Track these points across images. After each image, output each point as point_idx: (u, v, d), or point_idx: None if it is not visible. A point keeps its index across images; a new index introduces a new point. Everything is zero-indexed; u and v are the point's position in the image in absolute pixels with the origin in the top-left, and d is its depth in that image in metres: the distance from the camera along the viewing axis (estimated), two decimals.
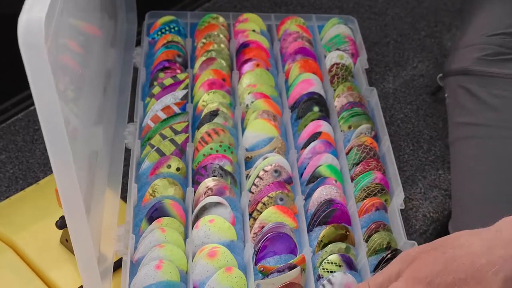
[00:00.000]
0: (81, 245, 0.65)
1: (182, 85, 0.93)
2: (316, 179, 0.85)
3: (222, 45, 1.01)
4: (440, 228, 0.94)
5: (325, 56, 1.02)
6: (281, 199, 0.82)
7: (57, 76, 0.58)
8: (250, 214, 0.81)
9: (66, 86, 0.65)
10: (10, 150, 0.97)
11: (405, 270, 0.65)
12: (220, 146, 0.85)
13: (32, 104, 0.99)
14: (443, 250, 0.64)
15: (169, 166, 0.83)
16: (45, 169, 0.94)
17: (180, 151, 0.85)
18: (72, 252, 0.78)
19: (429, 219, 0.93)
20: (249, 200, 0.83)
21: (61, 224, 0.76)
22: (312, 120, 0.91)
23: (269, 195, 0.82)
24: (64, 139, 0.57)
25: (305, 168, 0.87)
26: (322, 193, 0.83)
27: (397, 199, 0.84)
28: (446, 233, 0.93)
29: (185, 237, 0.77)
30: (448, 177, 0.97)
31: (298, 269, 0.75)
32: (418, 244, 0.79)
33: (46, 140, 0.57)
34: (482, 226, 0.86)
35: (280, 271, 0.74)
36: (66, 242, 0.80)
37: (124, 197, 0.82)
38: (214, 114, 0.90)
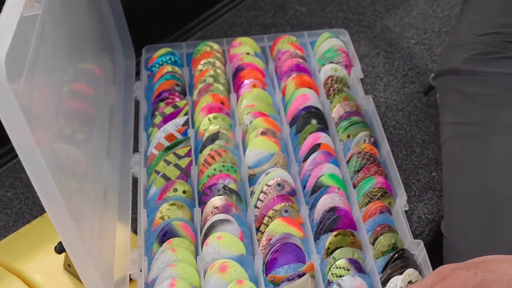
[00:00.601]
0: (87, 277, 0.67)
1: (182, 112, 0.96)
2: (319, 189, 0.87)
3: (219, 70, 1.04)
4: (436, 229, 0.96)
5: (319, 71, 1.05)
6: (286, 211, 0.84)
7: (38, 114, 0.59)
8: (257, 229, 0.84)
9: (62, 125, 0.67)
10: (16, 187, 1.01)
11: (437, 285, 0.66)
12: (223, 166, 0.88)
13: None
14: (474, 272, 0.65)
15: (175, 190, 0.85)
16: None
17: (185, 175, 0.88)
18: (75, 276, 0.82)
19: (425, 221, 0.95)
20: (255, 215, 0.85)
21: (60, 249, 0.80)
22: (311, 132, 0.94)
23: (274, 208, 0.84)
24: (47, 177, 0.58)
25: (307, 180, 0.89)
26: (326, 202, 0.85)
27: (401, 200, 0.86)
28: (442, 233, 0.94)
29: (196, 255, 0.79)
30: (442, 179, 0.99)
31: (307, 276, 0.76)
32: (424, 244, 0.81)
33: (32, 181, 0.59)
34: (472, 225, 0.88)
35: (290, 279, 0.76)
36: (68, 267, 0.83)
37: (134, 227, 0.85)
38: (215, 136, 0.92)
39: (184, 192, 0.86)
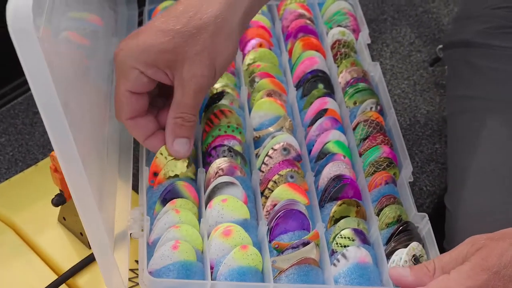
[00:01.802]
0: (93, 230, 0.66)
1: None
2: (325, 156, 0.86)
3: None
4: (437, 201, 0.95)
5: (327, 33, 1.02)
6: (292, 177, 0.82)
7: (54, 63, 0.58)
8: (262, 193, 0.82)
9: (69, 74, 0.66)
10: (9, 133, 0.99)
11: (473, 255, 0.65)
12: (228, 126, 0.86)
13: None
14: (510, 242, 0.65)
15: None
16: (44, 150, 0.96)
17: None
18: (70, 230, 0.81)
19: (426, 193, 0.94)
20: (260, 179, 0.83)
21: (57, 201, 0.78)
22: (318, 97, 0.92)
23: (279, 173, 0.82)
24: (64, 124, 0.58)
25: (313, 146, 0.88)
26: (331, 169, 0.84)
27: (406, 172, 0.85)
28: (443, 206, 0.94)
29: (199, 217, 0.77)
30: (445, 151, 0.98)
31: (312, 244, 0.75)
32: (429, 216, 0.80)
33: (46, 126, 0.58)
34: (477, 199, 0.88)
35: (295, 247, 0.75)
36: (64, 220, 0.82)
37: (135, 185, 0.83)
38: (220, 95, 0.90)
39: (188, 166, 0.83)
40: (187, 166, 0.80)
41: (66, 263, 0.78)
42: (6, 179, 0.89)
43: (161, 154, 0.79)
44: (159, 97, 0.80)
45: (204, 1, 0.72)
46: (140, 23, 1.05)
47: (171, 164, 0.80)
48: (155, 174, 0.80)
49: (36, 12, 0.54)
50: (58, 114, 0.57)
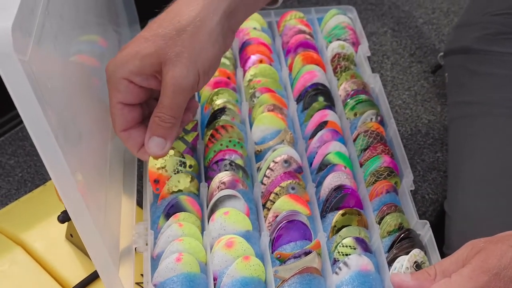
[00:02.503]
0: (93, 248, 0.67)
1: None
2: (325, 167, 0.87)
3: None
4: (439, 209, 0.96)
5: (326, 47, 1.04)
6: (293, 188, 0.83)
7: (45, 85, 0.58)
8: (264, 205, 0.83)
9: (66, 95, 0.67)
10: (18, 155, 1.01)
11: (473, 258, 0.66)
12: (230, 141, 0.87)
13: None
14: (510, 244, 0.66)
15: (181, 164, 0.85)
16: None
17: (191, 149, 0.87)
18: (77, 247, 0.83)
19: (428, 201, 0.95)
20: (262, 192, 0.84)
21: (63, 218, 0.79)
22: (318, 110, 0.93)
23: (280, 185, 0.83)
24: (54, 146, 0.58)
25: (314, 157, 0.89)
26: (332, 180, 0.85)
27: (407, 180, 0.86)
28: (444, 214, 0.95)
29: (202, 230, 0.79)
30: (447, 159, 0.99)
31: (314, 254, 0.76)
32: (430, 224, 0.81)
33: (37, 148, 0.58)
34: (476, 204, 0.88)
35: (297, 257, 0.76)
36: (71, 237, 0.84)
37: (140, 201, 0.85)
38: (221, 111, 0.91)
39: (190, 166, 0.85)
40: (190, 181, 0.82)
41: (74, 278, 0.80)
42: (16, 199, 0.91)
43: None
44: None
45: (184, 5, 0.74)
46: None
47: (175, 179, 0.82)
48: (156, 181, 0.81)
49: (20, 36, 0.54)
50: (48, 137, 0.57)
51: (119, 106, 0.75)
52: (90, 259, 0.81)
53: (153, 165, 0.83)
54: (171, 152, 0.84)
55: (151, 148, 0.75)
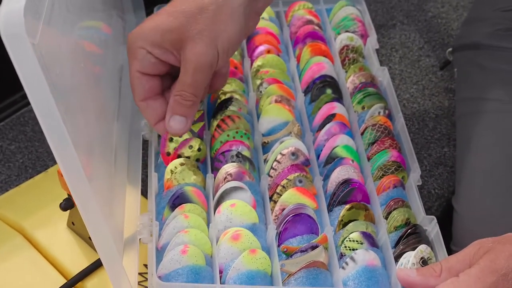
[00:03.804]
0: (99, 237, 0.66)
1: None
2: (333, 160, 0.86)
3: None
4: (445, 204, 0.95)
5: (334, 39, 1.03)
6: (300, 181, 0.82)
7: (53, 69, 0.58)
8: (270, 197, 0.82)
9: (72, 81, 0.66)
10: (19, 140, 1.00)
11: (481, 258, 0.66)
12: (237, 132, 0.86)
13: None
14: None
15: (190, 147, 0.84)
16: (54, 157, 0.97)
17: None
18: (79, 235, 0.82)
19: (434, 196, 0.94)
20: (269, 184, 0.83)
21: (65, 206, 0.79)
22: (326, 102, 0.92)
23: (288, 177, 0.82)
24: (63, 131, 0.57)
25: (321, 150, 0.88)
26: (340, 173, 0.84)
27: (414, 175, 0.85)
28: (452, 209, 0.94)
29: (208, 222, 0.78)
30: (453, 154, 0.98)
31: (320, 248, 0.76)
32: (438, 219, 0.80)
33: (45, 132, 0.57)
34: (485, 201, 0.88)
35: (303, 250, 0.75)
36: (72, 225, 0.83)
37: (144, 190, 0.84)
38: (228, 101, 0.90)
39: (199, 149, 0.84)
40: (195, 177, 0.81)
41: (75, 267, 0.79)
42: (17, 185, 0.90)
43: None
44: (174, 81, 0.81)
45: None
46: None
47: (180, 175, 0.81)
48: (168, 153, 0.82)
49: (31, 18, 0.53)
50: (56, 121, 0.56)
51: (137, 74, 0.76)
52: (91, 248, 0.81)
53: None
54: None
55: (172, 126, 0.76)
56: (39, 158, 0.98)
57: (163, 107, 0.78)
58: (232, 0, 0.74)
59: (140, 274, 0.77)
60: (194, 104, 0.76)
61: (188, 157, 0.82)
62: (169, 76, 0.79)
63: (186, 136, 0.85)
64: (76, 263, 0.80)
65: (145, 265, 0.77)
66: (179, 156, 0.83)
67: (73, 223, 0.82)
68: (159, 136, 0.88)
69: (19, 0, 0.52)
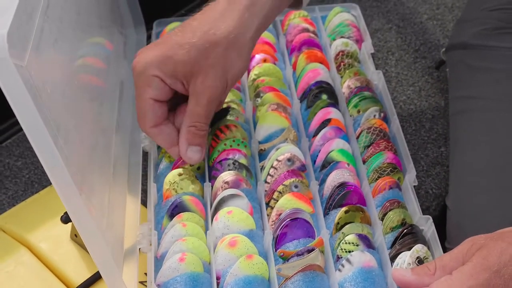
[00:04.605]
0: (95, 249, 0.68)
1: None
2: (329, 164, 0.87)
3: None
4: (443, 204, 0.96)
5: (330, 45, 1.04)
6: (296, 186, 0.84)
7: (44, 89, 0.59)
8: (267, 204, 0.84)
9: (66, 99, 0.67)
10: (26, 156, 1.02)
11: (474, 255, 0.67)
12: (234, 141, 0.88)
13: None
14: (509, 241, 0.66)
15: (191, 164, 0.85)
16: None
17: None
18: (82, 246, 0.84)
19: (432, 196, 0.95)
20: (265, 190, 0.85)
21: (66, 219, 0.81)
22: (321, 108, 0.94)
23: (284, 183, 0.84)
24: (53, 150, 0.59)
25: (317, 155, 0.89)
26: (335, 177, 0.85)
27: (410, 176, 0.86)
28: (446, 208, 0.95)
29: (206, 230, 0.80)
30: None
31: (317, 251, 0.77)
32: (434, 219, 0.81)
33: (36, 152, 0.59)
34: (477, 197, 0.89)
35: (300, 254, 0.77)
36: (75, 237, 0.85)
37: (144, 201, 0.86)
38: (225, 111, 0.92)
39: (198, 168, 0.86)
40: (193, 186, 0.83)
41: (79, 278, 0.81)
42: (23, 200, 0.92)
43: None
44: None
45: (218, 18, 0.77)
46: None
47: (178, 185, 0.82)
48: None
49: (17, 42, 0.55)
50: (46, 142, 0.58)
51: (150, 102, 0.78)
52: None
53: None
54: None
55: (191, 158, 0.81)
56: (44, 173, 1.00)
57: (174, 131, 0.81)
58: (242, 37, 0.78)
59: (140, 282, 0.79)
60: (206, 133, 0.81)
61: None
62: (171, 101, 0.82)
63: None
64: (80, 274, 0.82)
65: (146, 274, 0.78)
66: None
67: (75, 235, 0.84)
68: (158, 147, 0.90)
69: (3, 25, 0.54)
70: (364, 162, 0.89)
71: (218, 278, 0.75)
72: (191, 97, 0.78)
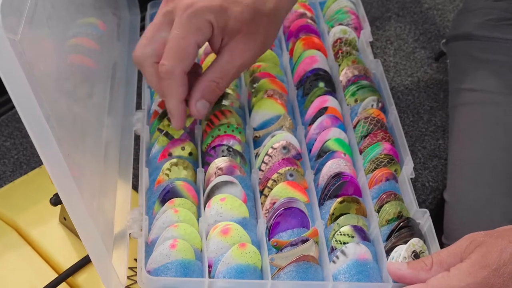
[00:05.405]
0: (85, 233, 0.66)
1: None
2: (325, 154, 0.86)
3: None
4: (440, 197, 0.95)
5: (328, 32, 1.02)
6: (291, 175, 0.82)
7: (37, 66, 0.58)
8: (261, 192, 0.82)
9: (58, 77, 0.66)
10: (14, 137, 1.01)
11: (473, 252, 0.66)
12: (228, 126, 0.86)
13: None
14: (510, 240, 0.65)
15: (183, 148, 0.84)
16: None
17: (189, 134, 0.86)
18: (70, 230, 0.83)
19: (428, 189, 0.94)
20: (260, 178, 0.83)
21: (55, 201, 0.79)
22: (318, 96, 0.92)
23: (278, 171, 0.82)
24: (45, 128, 0.57)
25: (313, 144, 0.88)
26: (331, 167, 0.84)
27: (407, 168, 0.85)
28: (444, 202, 0.94)
29: (198, 216, 0.78)
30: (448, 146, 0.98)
31: (311, 242, 0.75)
32: (430, 212, 0.80)
33: (28, 130, 0.57)
34: (475, 192, 0.88)
35: (294, 244, 0.75)
36: (64, 220, 0.83)
37: (135, 185, 0.84)
38: (220, 96, 0.90)
39: (190, 154, 0.84)
40: (185, 171, 0.81)
41: (67, 262, 0.80)
42: (11, 181, 0.91)
43: None
44: None
45: None
46: (143, 28, 1.06)
47: (170, 171, 0.81)
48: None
49: (10, 15, 0.54)
50: (39, 119, 0.56)
51: (195, 46, 0.77)
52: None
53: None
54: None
55: (199, 110, 0.80)
56: (33, 154, 0.98)
57: (187, 90, 0.79)
58: (279, 13, 0.80)
59: (130, 268, 0.77)
60: (221, 94, 0.81)
61: (179, 157, 0.82)
62: None
63: (181, 131, 0.85)
64: (68, 257, 0.80)
65: (136, 260, 0.77)
66: (169, 155, 0.83)
67: (64, 218, 0.83)
68: (150, 131, 0.88)
69: None
70: (360, 152, 0.87)
71: (210, 266, 0.74)
72: (225, 54, 0.78)
